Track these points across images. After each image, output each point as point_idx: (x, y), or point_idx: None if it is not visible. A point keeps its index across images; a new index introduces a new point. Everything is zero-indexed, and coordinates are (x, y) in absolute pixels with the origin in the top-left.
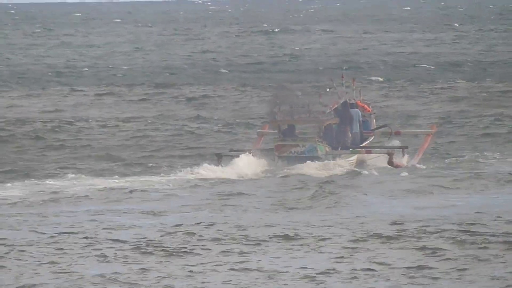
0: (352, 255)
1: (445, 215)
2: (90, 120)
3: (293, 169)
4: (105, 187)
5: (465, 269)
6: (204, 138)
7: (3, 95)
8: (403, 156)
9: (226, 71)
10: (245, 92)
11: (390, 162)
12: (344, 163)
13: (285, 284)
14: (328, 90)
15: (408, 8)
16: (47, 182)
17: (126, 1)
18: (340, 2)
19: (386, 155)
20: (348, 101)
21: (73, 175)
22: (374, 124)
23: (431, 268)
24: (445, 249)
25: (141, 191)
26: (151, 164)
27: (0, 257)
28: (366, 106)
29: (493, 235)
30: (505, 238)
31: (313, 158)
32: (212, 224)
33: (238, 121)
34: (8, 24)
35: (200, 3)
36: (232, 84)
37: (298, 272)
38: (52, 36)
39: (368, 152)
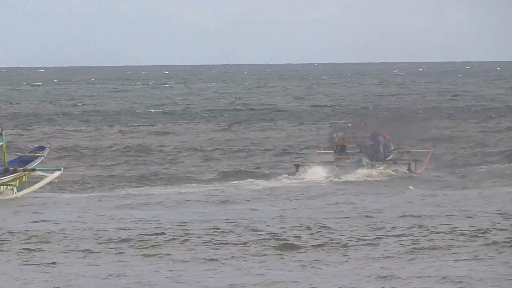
0: None
1: None
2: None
3: (352, 174)
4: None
5: None
6: (290, 154)
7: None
8: (416, 166)
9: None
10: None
11: (409, 169)
12: (378, 170)
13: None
14: (362, 124)
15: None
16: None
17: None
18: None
19: (407, 164)
20: (375, 131)
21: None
22: (392, 146)
23: None
24: None
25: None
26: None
27: None
28: (385, 135)
29: None
30: None
31: (359, 166)
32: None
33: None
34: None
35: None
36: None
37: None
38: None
39: (395, 163)
